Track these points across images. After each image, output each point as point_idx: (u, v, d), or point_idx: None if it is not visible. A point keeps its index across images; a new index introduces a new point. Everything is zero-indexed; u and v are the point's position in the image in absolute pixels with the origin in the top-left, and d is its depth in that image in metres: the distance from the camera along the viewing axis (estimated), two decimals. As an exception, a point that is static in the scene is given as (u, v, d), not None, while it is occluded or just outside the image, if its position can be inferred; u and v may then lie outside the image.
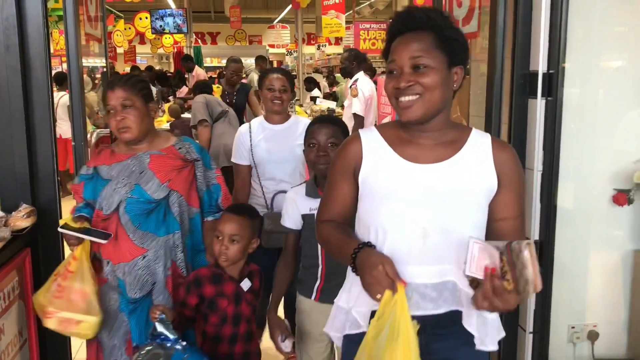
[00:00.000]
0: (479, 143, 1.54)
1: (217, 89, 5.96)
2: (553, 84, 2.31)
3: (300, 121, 3.06)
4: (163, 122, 7.83)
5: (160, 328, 1.89)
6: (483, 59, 2.62)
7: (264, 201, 2.96)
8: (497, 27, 2.39)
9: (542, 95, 2.33)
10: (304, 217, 2.20)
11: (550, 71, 2.31)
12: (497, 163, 1.52)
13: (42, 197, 2.45)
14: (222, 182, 2.46)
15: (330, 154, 2.17)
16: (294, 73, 13.29)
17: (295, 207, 2.21)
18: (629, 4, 2.47)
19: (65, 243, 2.30)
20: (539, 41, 2.30)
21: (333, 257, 1.68)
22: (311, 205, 2.17)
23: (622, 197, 2.47)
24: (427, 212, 1.47)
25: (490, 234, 1.53)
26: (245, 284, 2.17)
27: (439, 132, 1.52)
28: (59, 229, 2.09)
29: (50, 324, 2.14)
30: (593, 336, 2.55)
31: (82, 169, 2.30)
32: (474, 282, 1.39)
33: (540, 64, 2.31)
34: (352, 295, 1.58)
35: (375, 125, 1.67)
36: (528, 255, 1.25)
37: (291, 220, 2.24)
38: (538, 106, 2.33)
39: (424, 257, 1.48)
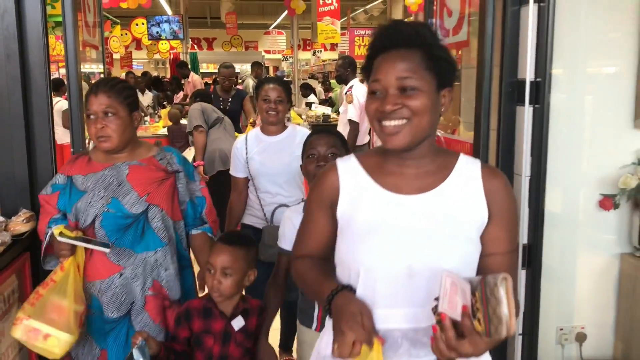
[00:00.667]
0: (468, 170, 1.40)
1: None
2: (540, 92, 2.38)
3: (297, 132, 3.01)
4: (160, 127, 7.90)
5: (137, 356, 1.72)
6: (473, 66, 2.68)
7: (262, 214, 2.93)
8: (486, 36, 2.46)
9: (530, 103, 2.39)
10: None
11: (538, 79, 2.37)
12: (487, 192, 1.37)
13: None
14: (206, 194, 2.33)
15: None
16: (290, 79, 13.38)
17: (292, 228, 2.03)
18: (615, 11, 2.53)
19: None
20: (527, 50, 2.37)
21: (309, 298, 1.62)
22: None
23: (608, 202, 2.53)
24: (412, 248, 1.32)
25: (478, 271, 1.37)
26: (237, 323, 1.96)
27: (423, 159, 1.38)
28: (58, 237, 1.95)
29: (17, 332, 1.95)
30: (581, 338, 2.61)
31: (56, 178, 2.17)
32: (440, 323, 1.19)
33: (528, 72, 2.38)
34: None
35: (354, 153, 1.53)
36: (503, 292, 1.09)
37: (289, 241, 2.04)
38: (526, 113, 2.39)
39: (410, 298, 1.31)
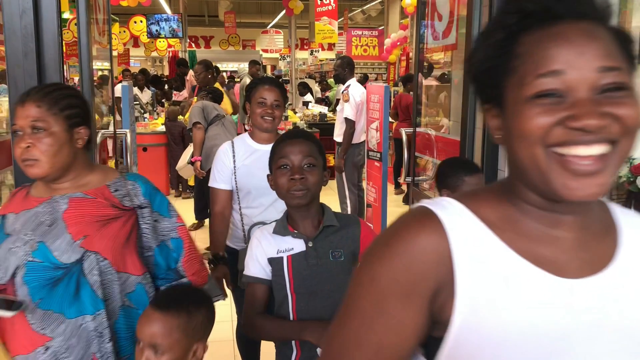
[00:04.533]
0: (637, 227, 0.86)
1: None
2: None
3: None
4: (158, 124, 8.07)
5: None
6: (461, 68, 2.85)
7: (243, 234, 2.55)
8: (472, 39, 2.63)
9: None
10: (270, 261, 1.74)
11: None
12: None
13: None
14: (186, 237, 1.79)
15: (308, 177, 1.72)
16: (287, 78, 13.54)
17: (261, 250, 1.75)
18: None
19: None
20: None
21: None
22: (279, 246, 1.73)
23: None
24: None
25: None
26: None
27: (589, 212, 0.83)
28: None
29: None
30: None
31: None
32: None
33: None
34: None
35: (453, 195, 0.89)
36: None
37: (257, 267, 1.75)
38: (509, 112, 2.56)
39: None
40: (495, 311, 0.77)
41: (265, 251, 1.75)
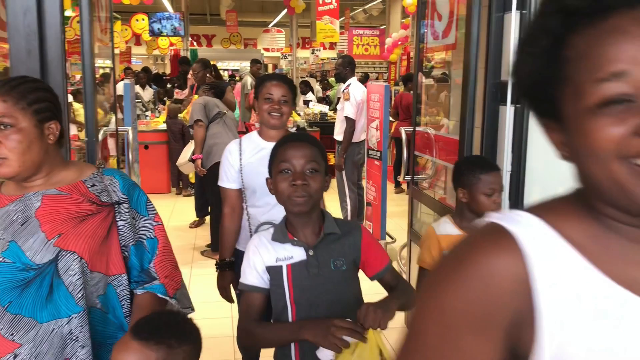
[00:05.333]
0: None
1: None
2: (521, 93, 2.56)
3: None
4: (160, 122, 8.09)
5: None
6: (460, 67, 2.87)
7: (250, 234, 2.49)
8: (472, 40, 2.65)
9: (512, 103, 2.56)
10: (269, 270, 1.67)
11: (519, 81, 2.56)
12: None
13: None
14: (161, 237, 1.69)
15: (311, 183, 1.63)
16: (289, 77, 13.55)
17: (259, 258, 1.68)
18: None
19: None
20: (509, 53, 2.55)
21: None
22: (278, 254, 1.67)
23: (583, 196, 2.73)
24: None
25: None
26: None
27: None
28: None
29: None
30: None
31: None
32: None
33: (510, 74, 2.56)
34: None
35: (530, 208, 0.74)
36: None
37: (255, 275, 1.68)
38: (508, 112, 2.57)
39: None
40: (587, 347, 0.66)
41: (263, 259, 1.68)
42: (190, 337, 1.38)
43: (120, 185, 1.63)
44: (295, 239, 1.68)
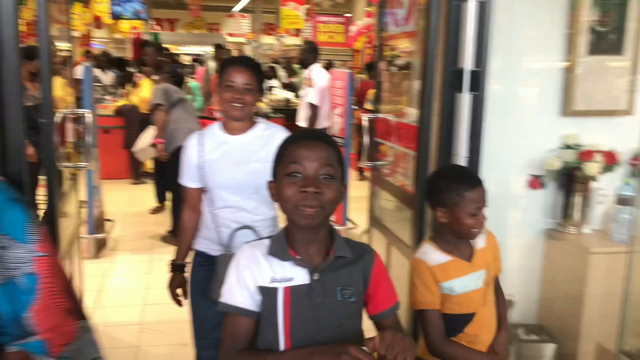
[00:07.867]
0: None
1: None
2: (479, 81, 2.61)
3: (273, 131, 2.28)
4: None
5: None
6: (420, 55, 2.91)
7: (216, 235, 2.27)
8: (431, 28, 2.68)
9: (469, 90, 2.62)
10: (261, 290, 1.38)
11: (477, 69, 2.61)
12: None
13: (11, 168, 2.57)
14: (46, 272, 1.26)
15: (325, 191, 1.34)
16: (253, 62, 13.39)
17: (250, 275, 1.38)
18: (546, 10, 2.80)
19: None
20: (467, 42, 2.60)
21: None
22: (275, 274, 1.38)
23: (536, 182, 2.82)
24: None
25: None
26: None
27: None
28: None
29: None
30: (510, 304, 2.89)
31: None
32: None
33: (468, 62, 2.61)
34: None
35: None
36: None
37: (245, 294, 1.38)
38: (465, 100, 2.62)
39: None
40: None
41: (254, 277, 1.38)
42: None
43: None
44: (299, 257, 1.39)
